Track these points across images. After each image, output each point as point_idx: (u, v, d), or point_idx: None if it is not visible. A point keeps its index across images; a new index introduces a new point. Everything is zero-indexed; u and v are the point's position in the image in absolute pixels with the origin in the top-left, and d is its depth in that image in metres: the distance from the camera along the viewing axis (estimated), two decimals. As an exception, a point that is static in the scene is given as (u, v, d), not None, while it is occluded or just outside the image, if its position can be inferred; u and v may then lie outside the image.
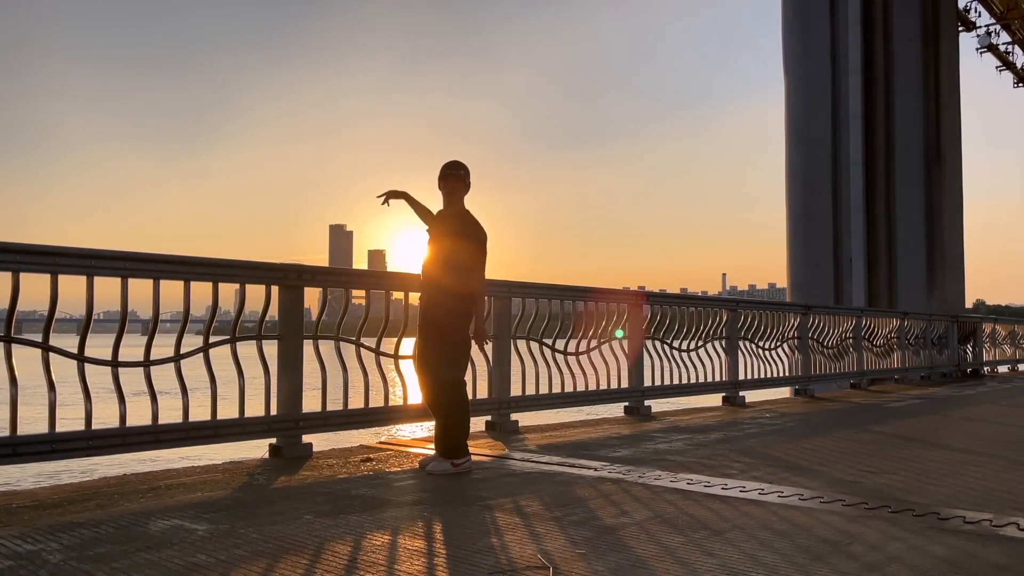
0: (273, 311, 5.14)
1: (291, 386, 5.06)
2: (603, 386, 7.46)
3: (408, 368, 5.75)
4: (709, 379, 8.89)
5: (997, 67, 32.50)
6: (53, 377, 4.08)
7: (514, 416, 6.44)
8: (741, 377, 9.33)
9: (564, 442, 5.75)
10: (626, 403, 7.80)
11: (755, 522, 3.36)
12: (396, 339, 5.78)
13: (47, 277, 4.08)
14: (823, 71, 21.59)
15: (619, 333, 7.67)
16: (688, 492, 3.98)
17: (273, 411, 4.98)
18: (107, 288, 4.36)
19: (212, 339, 4.72)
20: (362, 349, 5.50)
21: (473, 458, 5.00)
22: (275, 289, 5.06)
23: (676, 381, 8.40)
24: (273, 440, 5.04)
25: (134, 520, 3.31)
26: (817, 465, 4.94)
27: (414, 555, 2.83)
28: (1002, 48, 31.56)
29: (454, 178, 4.69)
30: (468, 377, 6.40)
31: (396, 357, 5.73)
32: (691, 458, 5.08)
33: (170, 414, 4.53)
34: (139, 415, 4.43)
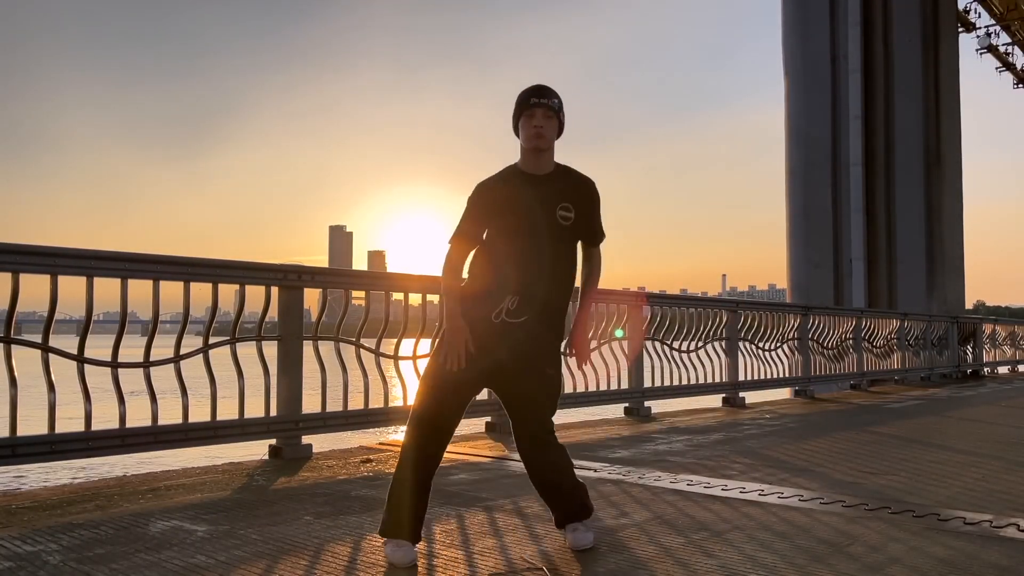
0: (273, 312, 5.14)
1: (291, 387, 5.06)
2: (603, 387, 7.46)
3: (408, 369, 5.75)
4: (709, 380, 8.89)
5: (997, 68, 32.54)
6: (53, 378, 4.08)
7: (514, 417, 6.43)
8: (741, 378, 9.33)
9: (563, 443, 5.72)
10: (626, 404, 7.80)
11: (755, 523, 3.36)
12: (396, 340, 5.78)
13: (47, 278, 4.07)
14: (823, 72, 21.61)
15: (619, 333, 7.67)
16: (688, 493, 3.98)
17: (273, 412, 4.98)
18: (107, 289, 4.37)
19: (212, 340, 4.72)
20: (362, 350, 5.50)
21: (473, 459, 5.00)
22: (275, 290, 5.07)
23: (676, 382, 8.40)
24: (273, 441, 5.04)
25: (134, 521, 3.31)
26: (817, 466, 4.93)
27: (414, 556, 2.83)
28: (1002, 49, 31.60)
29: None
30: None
31: (396, 358, 5.73)
32: (691, 459, 5.08)
33: (170, 414, 4.53)
34: (139, 416, 4.43)
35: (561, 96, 2.94)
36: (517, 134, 2.92)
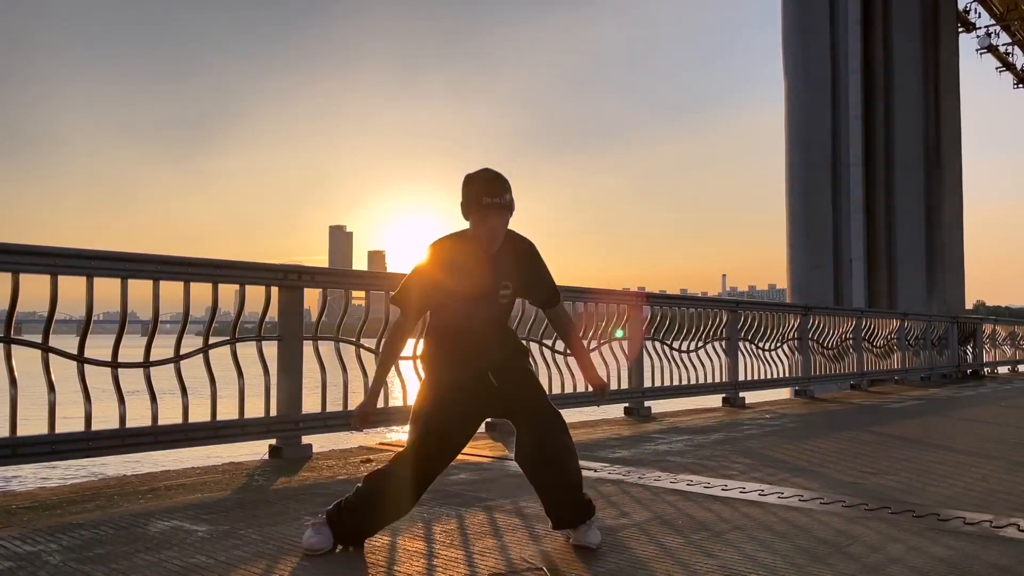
0: (273, 312, 5.14)
1: (291, 387, 5.06)
2: (603, 387, 7.45)
3: (408, 369, 5.75)
4: (709, 380, 8.89)
5: (997, 68, 32.55)
6: (53, 378, 4.08)
7: (514, 417, 6.43)
8: (741, 378, 9.33)
9: (564, 443, 5.74)
10: (626, 404, 7.80)
11: (755, 523, 3.36)
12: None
13: (47, 278, 4.07)
14: (823, 72, 21.62)
15: (619, 333, 7.67)
16: (688, 493, 3.98)
17: (273, 412, 4.98)
18: (107, 289, 4.37)
19: (212, 340, 4.72)
20: (362, 350, 5.50)
21: (473, 459, 5.00)
22: (275, 290, 5.06)
23: (676, 382, 8.40)
24: (273, 441, 5.04)
25: (134, 521, 3.31)
26: (817, 466, 4.93)
27: (414, 556, 2.83)
28: (1002, 49, 31.60)
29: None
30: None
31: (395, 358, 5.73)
32: (691, 459, 5.08)
33: (170, 414, 4.53)
34: (139, 416, 4.43)
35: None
36: (464, 215, 2.91)
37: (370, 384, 3.18)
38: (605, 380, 3.26)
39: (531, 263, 3.06)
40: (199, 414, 4.67)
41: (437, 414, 2.93)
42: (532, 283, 3.09)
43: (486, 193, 2.85)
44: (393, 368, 5.71)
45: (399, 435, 7.33)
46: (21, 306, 4.03)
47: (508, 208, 2.89)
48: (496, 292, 2.97)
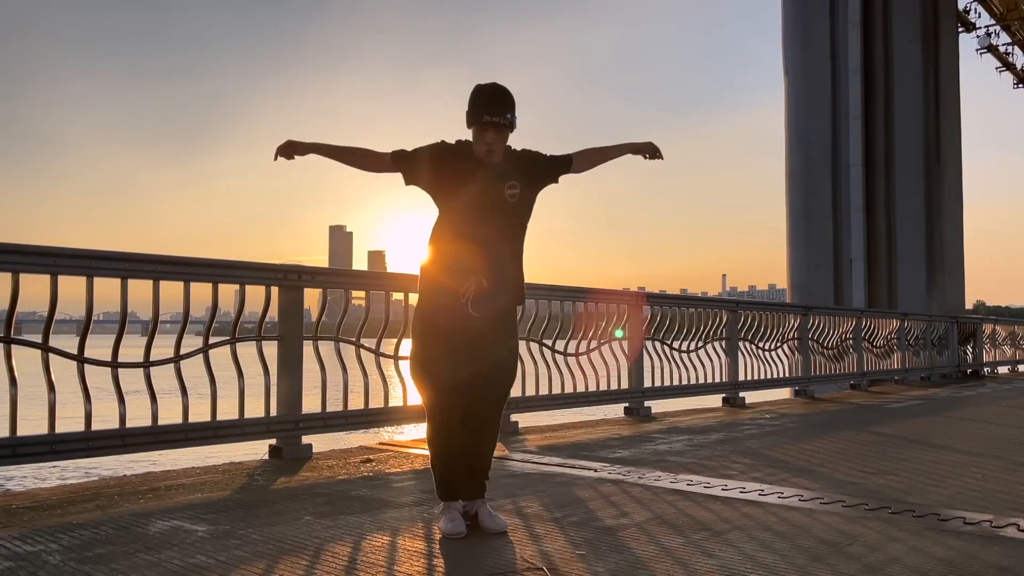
0: (273, 312, 5.14)
1: (291, 387, 5.05)
2: (603, 387, 7.46)
3: (408, 369, 5.74)
4: (709, 380, 8.89)
5: (997, 68, 32.52)
6: (53, 378, 4.08)
7: (514, 417, 6.44)
8: (741, 378, 9.33)
9: (564, 443, 5.75)
10: (626, 404, 7.80)
11: (755, 523, 3.36)
12: (396, 340, 5.78)
13: (47, 278, 4.08)
14: (823, 72, 21.60)
15: (619, 333, 7.67)
16: (688, 493, 3.98)
17: (273, 412, 4.98)
18: (107, 289, 4.37)
19: (212, 340, 4.72)
20: (362, 350, 5.50)
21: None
22: (275, 290, 5.07)
23: (676, 382, 8.40)
24: (273, 441, 5.04)
25: (134, 521, 3.31)
26: (817, 466, 4.94)
27: (414, 556, 2.83)
28: (1002, 49, 31.58)
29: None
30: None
31: (396, 358, 5.73)
32: (691, 459, 5.08)
33: (170, 414, 4.53)
34: (139, 416, 4.43)
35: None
36: (467, 125, 3.01)
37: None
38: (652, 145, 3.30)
39: (529, 162, 3.12)
40: (199, 414, 4.67)
41: (434, 368, 3.11)
42: (538, 170, 3.14)
43: (487, 110, 2.92)
44: (393, 368, 5.71)
45: (399, 436, 7.33)
46: (21, 306, 4.04)
47: (508, 127, 2.96)
48: (503, 192, 3.01)
